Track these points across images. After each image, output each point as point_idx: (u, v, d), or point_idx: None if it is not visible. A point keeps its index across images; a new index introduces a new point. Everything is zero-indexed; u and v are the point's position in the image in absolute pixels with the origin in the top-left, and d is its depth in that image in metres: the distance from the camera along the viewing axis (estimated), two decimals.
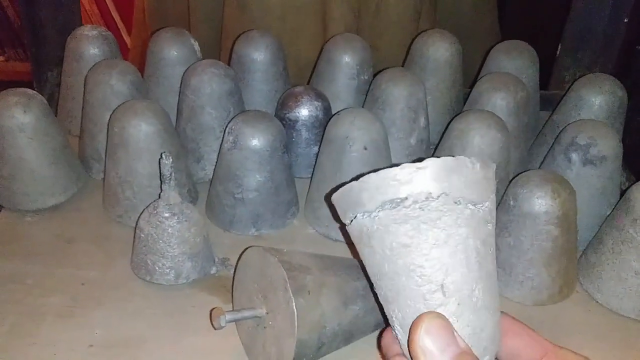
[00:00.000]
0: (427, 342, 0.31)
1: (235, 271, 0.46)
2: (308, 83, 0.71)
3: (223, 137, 0.54)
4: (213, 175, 0.56)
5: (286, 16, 0.80)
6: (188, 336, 0.45)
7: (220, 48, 0.87)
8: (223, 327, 0.40)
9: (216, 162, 0.56)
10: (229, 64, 0.67)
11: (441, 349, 0.30)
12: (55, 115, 0.68)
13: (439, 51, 0.63)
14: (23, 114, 0.52)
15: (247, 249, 0.44)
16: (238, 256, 0.46)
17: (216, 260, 0.51)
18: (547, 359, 0.35)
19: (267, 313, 0.41)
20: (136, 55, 1.14)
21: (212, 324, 0.41)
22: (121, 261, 0.51)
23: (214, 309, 0.41)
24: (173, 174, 0.47)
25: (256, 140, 0.52)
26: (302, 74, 0.78)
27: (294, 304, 0.38)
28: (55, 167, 0.55)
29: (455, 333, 0.31)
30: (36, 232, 0.54)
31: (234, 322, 0.44)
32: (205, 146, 0.60)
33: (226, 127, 0.53)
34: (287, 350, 0.39)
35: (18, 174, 0.54)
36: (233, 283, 0.46)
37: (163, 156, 0.46)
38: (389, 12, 0.82)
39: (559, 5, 0.90)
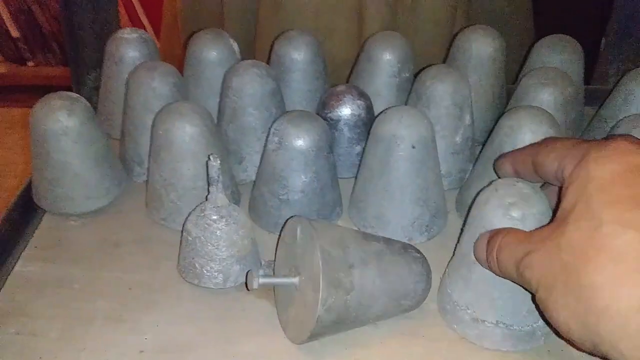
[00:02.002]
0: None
1: (278, 240, 0.48)
2: (347, 82, 0.70)
3: (267, 138, 0.53)
4: (256, 176, 0.55)
5: (321, 15, 0.80)
6: (239, 341, 0.44)
7: (254, 48, 0.86)
8: (255, 288, 0.43)
9: (260, 163, 0.55)
10: (268, 60, 0.67)
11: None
12: None
13: (482, 47, 0.62)
14: (67, 117, 0.52)
15: (290, 218, 0.46)
16: None
17: (263, 263, 0.51)
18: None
19: (300, 279, 0.42)
20: (165, 59, 1.14)
21: (246, 286, 0.44)
22: (167, 264, 0.51)
23: (249, 271, 0.43)
24: (220, 176, 0.46)
25: (302, 141, 0.51)
26: (337, 73, 0.77)
27: (318, 247, 0.39)
28: (99, 171, 0.55)
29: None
30: (80, 235, 0.54)
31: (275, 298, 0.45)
32: (247, 147, 0.59)
33: (270, 127, 0.53)
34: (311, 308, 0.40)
35: (62, 178, 0.54)
36: (276, 252, 0.48)
37: (211, 158, 0.45)
38: (425, 9, 0.81)
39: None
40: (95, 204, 0.56)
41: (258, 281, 0.42)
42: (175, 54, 1.04)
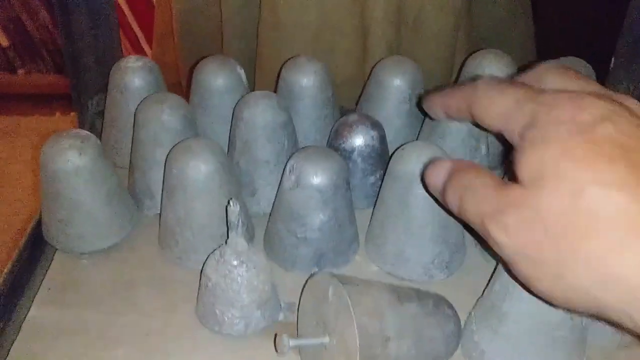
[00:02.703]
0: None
1: (300, 299, 0.46)
2: (355, 105, 0.69)
3: (282, 175, 0.52)
4: (272, 212, 0.54)
5: (322, 34, 0.78)
6: None
7: (255, 67, 0.85)
8: (286, 353, 0.41)
9: (275, 199, 0.54)
10: (274, 89, 0.66)
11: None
12: None
13: (495, 74, 0.61)
14: (78, 157, 0.51)
15: (311, 275, 0.45)
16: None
17: (282, 305, 0.50)
18: None
19: (331, 340, 0.41)
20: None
21: (275, 349, 0.42)
22: (184, 307, 0.50)
23: (276, 335, 0.42)
24: (241, 221, 0.45)
25: (319, 179, 0.50)
26: (339, 92, 0.76)
27: (355, 324, 0.38)
28: (111, 208, 0.54)
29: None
30: (93, 276, 0.53)
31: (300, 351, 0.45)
32: (259, 179, 0.58)
33: (286, 164, 0.52)
34: None
35: (74, 217, 0.52)
36: (298, 311, 0.46)
37: (231, 203, 0.44)
38: (428, 25, 0.80)
39: (598, 12, 0.87)
40: (107, 242, 0.55)
41: (289, 345, 0.40)
42: (167, 62, 1.02)
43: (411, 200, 0.50)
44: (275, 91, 0.65)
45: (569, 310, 0.34)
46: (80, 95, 0.69)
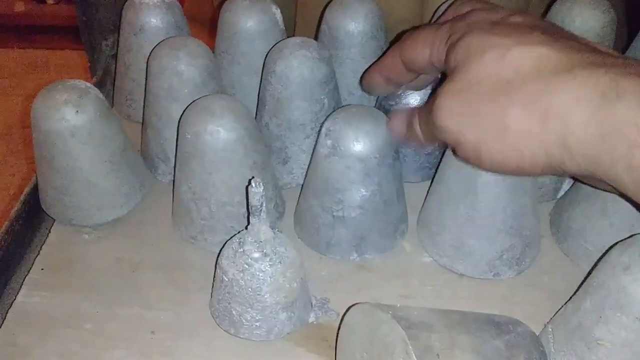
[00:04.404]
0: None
1: (337, 335, 0.37)
2: None
3: (317, 139, 0.43)
4: (304, 184, 0.45)
5: None
6: None
7: (295, 3, 0.74)
8: None
9: (308, 168, 0.45)
10: (316, 31, 0.55)
11: None
12: (112, 96, 0.59)
13: (589, 22, 0.49)
14: (75, 114, 0.42)
15: (350, 307, 0.35)
16: (338, 294, 0.40)
17: (314, 302, 0.41)
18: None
19: None
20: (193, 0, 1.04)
21: None
22: (197, 299, 0.42)
23: None
24: (264, 204, 0.36)
25: (362, 145, 0.40)
26: (393, 33, 0.65)
27: None
28: (115, 175, 0.46)
29: None
30: (94, 254, 0.45)
31: None
32: (293, 145, 0.49)
33: (321, 126, 0.42)
34: None
35: (71, 186, 0.44)
36: (336, 351, 0.37)
37: (253, 183, 0.35)
38: None
39: None
40: (111, 214, 0.47)
41: None
42: None
43: (480, 184, 0.40)
44: (316, 36, 0.55)
45: (536, 173, 0.33)
46: (91, 35, 0.60)
